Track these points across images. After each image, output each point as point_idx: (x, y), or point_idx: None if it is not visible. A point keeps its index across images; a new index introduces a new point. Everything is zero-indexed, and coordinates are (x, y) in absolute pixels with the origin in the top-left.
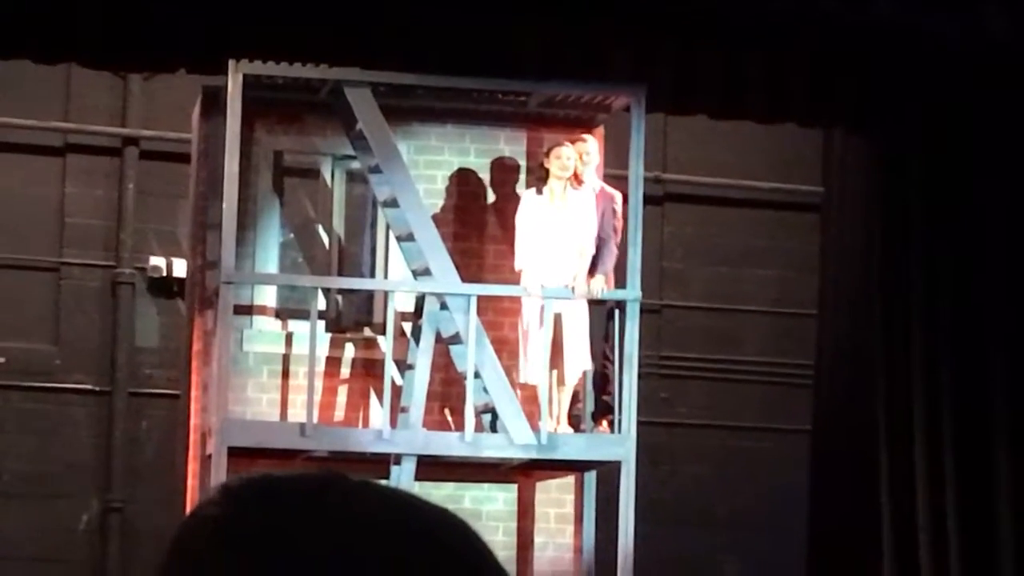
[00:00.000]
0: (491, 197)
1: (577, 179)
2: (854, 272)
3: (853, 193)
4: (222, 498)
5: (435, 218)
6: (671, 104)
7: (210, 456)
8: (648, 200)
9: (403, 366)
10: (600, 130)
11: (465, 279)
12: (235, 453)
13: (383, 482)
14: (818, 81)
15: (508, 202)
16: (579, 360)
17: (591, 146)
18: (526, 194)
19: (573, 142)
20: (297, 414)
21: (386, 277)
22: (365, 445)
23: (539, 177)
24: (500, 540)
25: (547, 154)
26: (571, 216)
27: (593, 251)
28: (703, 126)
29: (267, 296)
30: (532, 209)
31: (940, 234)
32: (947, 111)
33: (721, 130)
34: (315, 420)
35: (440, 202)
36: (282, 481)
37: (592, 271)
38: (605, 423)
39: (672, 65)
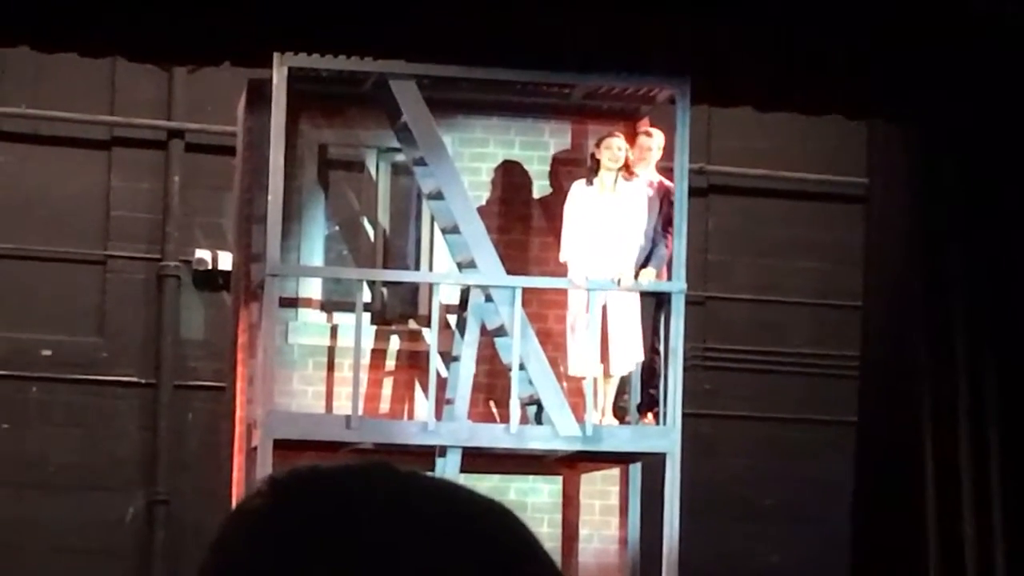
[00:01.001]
0: (537, 190)
1: (628, 170)
2: (898, 263)
3: (897, 184)
4: (269, 490)
5: (480, 210)
6: (715, 96)
7: (255, 448)
8: (692, 192)
9: (448, 358)
10: (645, 122)
11: (510, 271)
12: (280, 445)
13: (428, 474)
14: (862, 72)
15: (556, 194)
16: (628, 352)
17: (657, 140)
18: (575, 185)
19: (635, 135)
20: (342, 406)
21: (431, 269)
22: (410, 437)
23: (590, 168)
24: (545, 532)
25: (598, 144)
26: (621, 208)
27: (642, 243)
28: (747, 118)
29: (312, 288)
30: (581, 200)
31: (983, 224)
32: (991, 100)
33: (765, 122)
34: (360, 412)
35: (485, 194)
36: (329, 472)
37: (647, 263)
38: (650, 415)
39: (717, 57)
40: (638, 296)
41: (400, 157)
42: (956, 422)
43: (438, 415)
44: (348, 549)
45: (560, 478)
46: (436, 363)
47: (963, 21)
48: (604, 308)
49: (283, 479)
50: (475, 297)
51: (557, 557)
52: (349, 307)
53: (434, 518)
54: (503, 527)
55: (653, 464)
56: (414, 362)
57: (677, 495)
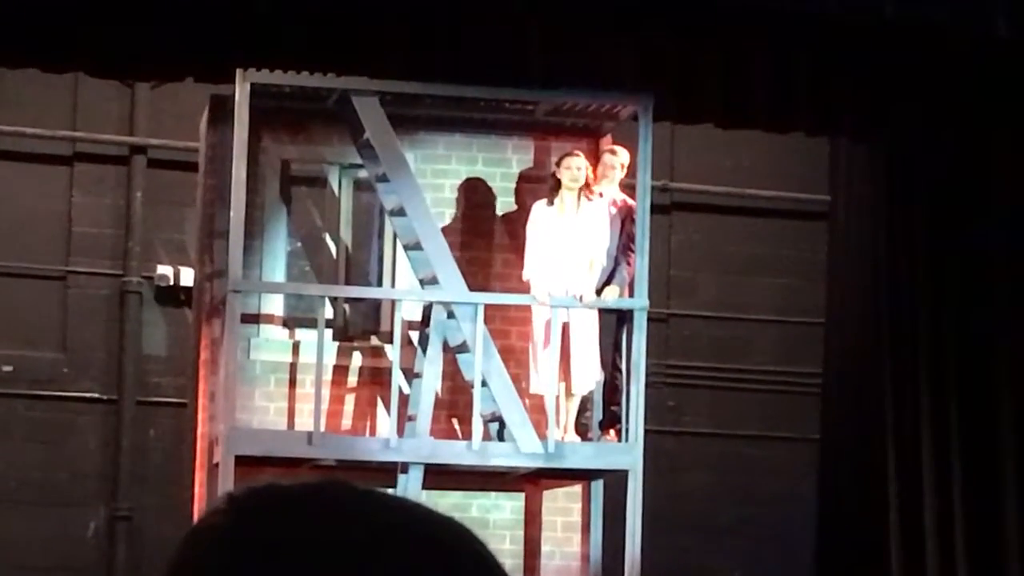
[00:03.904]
0: (500, 206)
1: (588, 189)
2: (861, 280)
3: (860, 201)
4: (227, 508)
5: (442, 227)
6: (678, 113)
7: (217, 464)
8: (655, 209)
9: (410, 375)
10: (608, 139)
11: (472, 288)
12: (242, 461)
13: (390, 491)
14: (825, 89)
15: (519, 211)
16: (588, 370)
17: (621, 158)
18: (536, 205)
19: (599, 152)
20: (304, 423)
21: (393, 286)
22: (372, 454)
23: (551, 187)
24: (507, 549)
25: (558, 164)
26: (582, 227)
27: (604, 262)
28: (710, 135)
29: (274, 305)
30: (542, 220)
31: (947, 241)
32: (954, 117)
33: (728, 139)
34: (322, 429)
35: (448, 211)
36: (287, 491)
37: (609, 282)
38: (612, 432)
39: (679, 74)
40: (597, 316)
41: (363, 173)
42: (919, 439)
43: (400, 432)
44: (306, 567)
45: (522, 495)
46: (398, 380)
47: (927, 40)
48: (566, 327)
49: (241, 497)
50: (437, 314)
51: (519, 574)
52: (311, 323)
53: (392, 537)
54: (462, 545)
55: (615, 481)
56: (376, 378)
57: (639, 512)
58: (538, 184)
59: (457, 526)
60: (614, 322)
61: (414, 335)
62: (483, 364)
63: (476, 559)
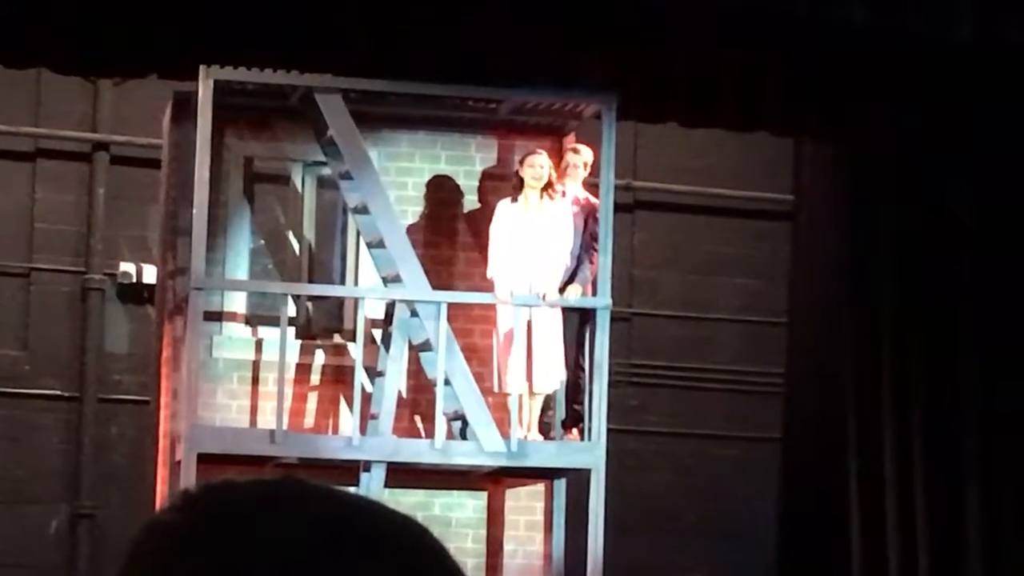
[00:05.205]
0: (465, 205)
1: (552, 187)
2: (825, 280)
3: (824, 201)
4: (182, 504)
5: (406, 225)
6: (642, 111)
7: (179, 462)
8: (618, 207)
9: (373, 373)
10: (571, 137)
11: (436, 286)
12: (204, 459)
13: (352, 489)
14: (790, 89)
15: (483, 209)
16: (551, 369)
17: (584, 156)
18: (501, 204)
19: (562, 151)
20: (267, 421)
21: (356, 284)
22: (335, 452)
23: (514, 186)
24: (470, 547)
25: (521, 162)
26: (546, 225)
27: (568, 261)
28: (674, 134)
29: (237, 302)
30: (507, 219)
31: (910, 242)
32: (918, 117)
33: (692, 138)
34: (285, 427)
35: (411, 209)
36: (242, 487)
37: (573, 280)
38: (575, 431)
39: (644, 73)
40: (560, 315)
41: (326, 171)
42: (881, 439)
43: (363, 430)
44: (259, 565)
45: (485, 494)
46: (361, 378)
47: (892, 41)
48: (529, 325)
49: (196, 493)
50: (401, 312)
51: (481, 573)
52: (274, 321)
53: (347, 534)
54: (416, 543)
55: (578, 480)
56: (339, 377)
57: (602, 511)
58: (501, 182)
59: (413, 523)
60: (577, 321)
61: (377, 333)
62: (446, 363)
63: (432, 556)
